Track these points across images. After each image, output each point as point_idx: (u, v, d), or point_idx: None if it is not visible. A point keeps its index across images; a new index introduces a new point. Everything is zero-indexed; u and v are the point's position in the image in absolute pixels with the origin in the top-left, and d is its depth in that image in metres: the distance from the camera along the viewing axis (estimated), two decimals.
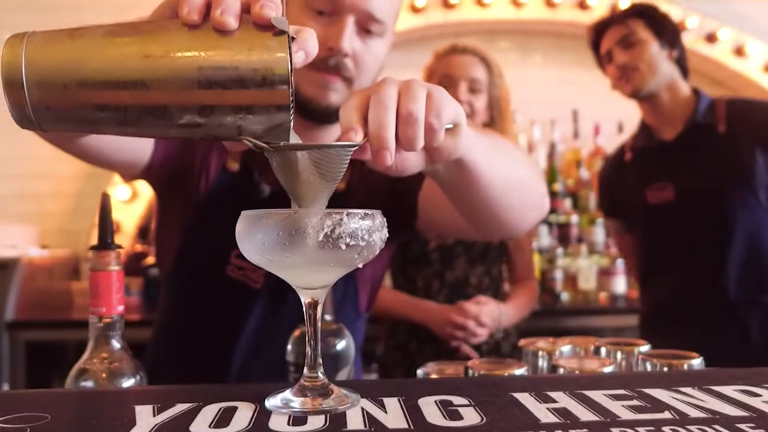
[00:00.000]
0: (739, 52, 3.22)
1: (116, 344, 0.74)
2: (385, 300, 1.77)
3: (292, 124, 0.55)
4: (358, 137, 0.58)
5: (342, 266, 0.54)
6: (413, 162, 0.66)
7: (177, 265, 1.14)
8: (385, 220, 0.56)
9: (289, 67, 0.52)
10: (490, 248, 1.84)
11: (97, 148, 0.92)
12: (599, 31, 1.89)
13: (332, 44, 0.97)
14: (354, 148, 0.58)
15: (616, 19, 1.86)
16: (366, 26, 1.00)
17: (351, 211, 0.52)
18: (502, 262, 1.90)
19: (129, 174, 1.11)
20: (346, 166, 0.58)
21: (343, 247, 0.51)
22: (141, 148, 1.04)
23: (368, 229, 0.53)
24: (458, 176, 0.77)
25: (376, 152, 0.58)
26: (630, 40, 1.80)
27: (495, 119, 1.82)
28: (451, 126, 0.64)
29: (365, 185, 1.14)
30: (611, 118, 3.10)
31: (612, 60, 1.85)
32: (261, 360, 1.10)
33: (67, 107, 0.52)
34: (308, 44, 0.56)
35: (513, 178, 0.87)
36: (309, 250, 0.51)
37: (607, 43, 1.86)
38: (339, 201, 1.11)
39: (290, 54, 0.52)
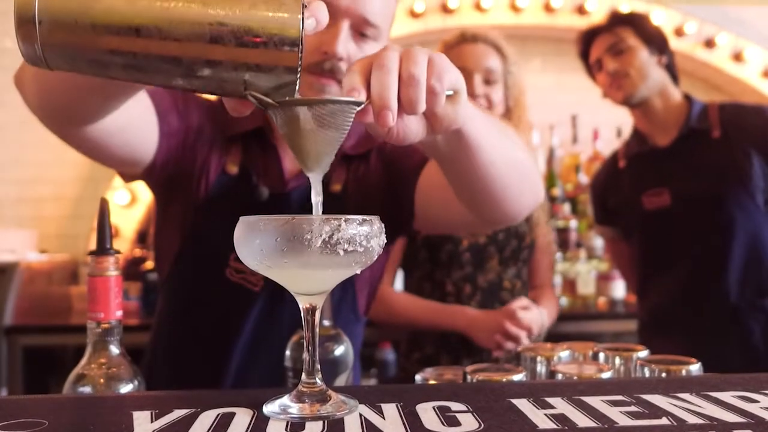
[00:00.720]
0: (737, 57, 3.22)
1: (114, 350, 0.74)
2: (408, 308, 1.67)
3: (298, 86, 0.56)
4: (361, 97, 0.59)
5: (340, 272, 0.55)
6: (414, 129, 0.67)
7: (176, 269, 1.14)
8: (383, 225, 0.56)
9: (301, 29, 0.53)
10: (522, 247, 1.76)
11: (102, 142, 0.93)
12: (588, 40, 1.90)
13: (327, 48, 0.98)
14: (358, 106, 0.58)
15: (604, 27, 1.87)
16: (361, 30, 1.00)
17: (349, 217, 0.52)
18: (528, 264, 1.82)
19: (130, 173, 1.11)
20: (350, 124, 0.59)
21: (341, 253, 0.51)
22: (145, 145, 1.04)
23: (366, 234, 0.53)
24: (458, 148, 0.77)
25: (378, 112, 0.59)
26: (619, 47, 1.81)
27: (511, 109, 1.74)
28: (451, 93, 0.65)
29: (361, 187, 1.14)
30: (610, 123, 3.10)
31: (602, 68, 1.86)
32: (259, 363, 1.11)
33: (77, 47, 0.52)
34: (320, 13, 0.57)
35: (511, 156, 0.87)
36: (307, 256, 0.51)
37: (596, 51, 1.87)
38: (335, 203, 1.12)
39: (303, 18, 0.53)
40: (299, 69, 0.54)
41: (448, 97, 0.65)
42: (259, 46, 0.53)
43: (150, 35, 0.51)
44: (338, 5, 0.97)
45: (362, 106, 0.59)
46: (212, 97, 1.22)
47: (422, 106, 0.61)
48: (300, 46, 0.53)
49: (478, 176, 0.83)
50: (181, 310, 1.16)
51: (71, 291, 2.74)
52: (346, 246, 0.51)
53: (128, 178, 1.14)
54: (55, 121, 0.90)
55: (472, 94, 1.60)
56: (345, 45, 0.99)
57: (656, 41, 1.83)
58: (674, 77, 1.87)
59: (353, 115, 0.58)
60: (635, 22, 1.85)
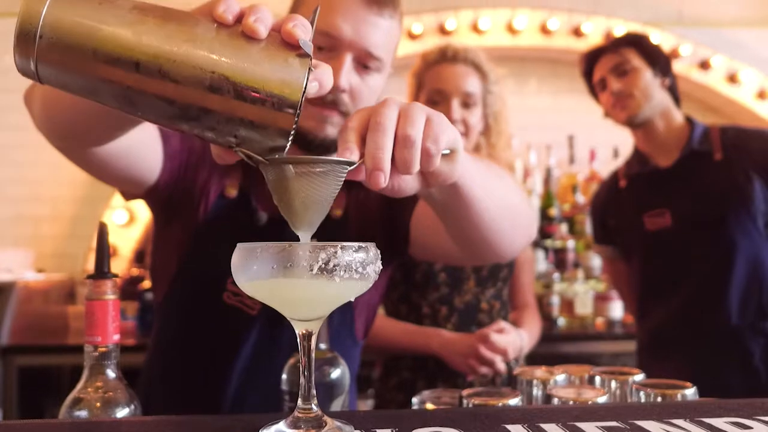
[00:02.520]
0: (732, 79, 3.25)
1: (111, 373, 0.74)
2: (386, 330, 1.63)
3: (287, 150, 0.55)
4: (353, 157, 0.59)
5: (336, 299, 0.55)
6: (409, 184, 0.67)
7: (173, 291, 1.14)
8: (379, 252, 0.56)
9: (302, 92, 0.52)
10: (501, 267, 1.71)
11: (106, 163, 0.94)
12: (592, 59, 1.92)
13: None
14: (349, 167, 0.58)
15: (608, 47, 1.88)
16: (364, 62, 1.02)
17: (345, 244, 0.53)
18: (509, 283, 1.79)
19: (131, 192, 1.12)
20: (341, 184, 0.58)
21: (338, 280, 0.52)
22: (149, 167, 1.05)
23: (362, 261, 0.53)
24: (452, 200, 0.78)
25: (370, 173, 0.59)
26: (624, 68, 1.82)
27: (490, 125, 1.70)
28: (448, 152, 0.65)
29: (361, 212, 1.15)
30: (606, 144, 3.12)
31: (606, 88, 1.87)
32: (257, 385, 1.10)
33: (73, 69, 0.52)
34: (324, 77, 0.57)
35: (505, 204, 0.89)
36: (304, 283, 0.51)
37: (600, 71, 1.88)
38: (336, 227, 1.12)
39: (306, 83, 0.53)
40: (292, 133, 0.54)
41: (445, 155, 0.65)
42: (257, 103, 0.52)
43: (149, 72, 0.51)
44: (341, 38, 0.99)
45: (354, 166, 0.58)
46: None
47: (416, 167, 0.61)
48: (298, 111, 0.52)
49: (472, 223, 0.85)
50: (178, 332, 1.15)
51: (68, 310, 2.73)
52: (342, 273, 0.52)
53: (129, 196, 1.14)
54: (60, 141, 0.91)
55: (449, 118, 1.60)
56: (348, 77, 1.00)
57: (660, 63, 1.84)
58: (676, 99, 1.88)
59: (345, 174, 0.58)
60: (640, 43, 1.86)
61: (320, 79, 0.57)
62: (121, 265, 2.89)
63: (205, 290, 1.10)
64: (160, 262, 1.20)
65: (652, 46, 1.87)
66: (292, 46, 0.53)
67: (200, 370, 1.12)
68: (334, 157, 0.57)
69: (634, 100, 1.80)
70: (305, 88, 0.53)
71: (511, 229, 0.93)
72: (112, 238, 2.74)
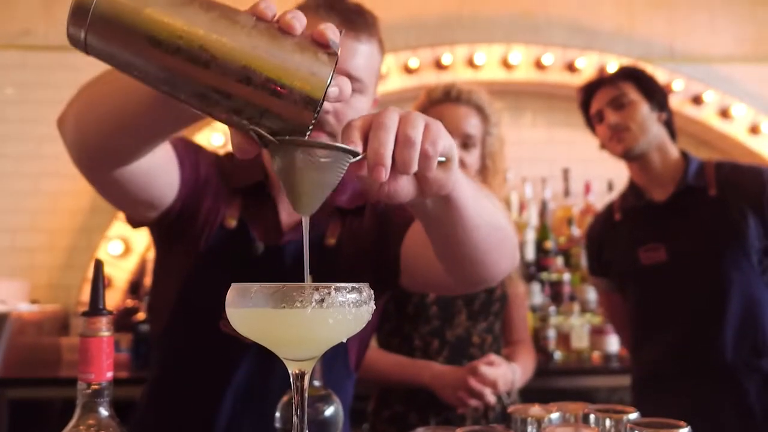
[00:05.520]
0: (724, 114, 3.29)
1: (104, 411, 0.74)
2: (378, 362, 1.63)
3: (308, 135, 0.58)
4: (359, 148, 0.62)
5: (330, 339, 0.55)
6: (405, 189, 0.69)
7: (173, 320, 1.15)
8: (372, 292, 0.57)
9: (326, 86, 0.56)
10: (492, 300, 1.72)
11: (128, 184, 0.98)
12: (589, 91, 1.93)
13: None
14: (354, 156, 0.61)
15: (606, 80, 1.90)
16: None
17: (339, 285, 0.53)
18: (502, 318, 1.78)
19: (139, 219, 1.14)
20: (344, 171, 0.61)
21: (331, 321, 0.52)
22: (166, 190, 1.08)
23: (356, 302, 0.54)
24: (445, 212, 0.80)
25: (373, 167, 0.61)
26: (621, 101, 1.84)
27: (487, 165, 1.72)
28: (444, 160, 0.68)
29: (354, 241, 1.17)
30: (601, 177, 3.15)
31: (603, 120, 1.88)
32: (249, 415, 1.11)
33: (120, 43, 0.55)
34: (344, 85, 0.61)
35: (494, 224, 0.91)
36: (297, 323, 0.52)
37: (597, 103, 1.90)
38: (329, 256, 1.14)
39: (330, 80, 0.57)
40: (310, 128, 0.57)
41: (441, 163, 0.67)
42: (285, 89, 0.55)
43: (190, 49, 0.54)
44: None
45: (359, 157, 0.61)
46: (220, 151, 1.27)
47: (414, 167, 0.64)
48: (319, 106, 0.56)
49: (461, 239, 0.86)
50: (176, 363, 1.16)
51: (61, 342, 2.71)
52: (335, 314, 0.52)
53: (136, 223, 1.16)
54: (89, 160, 0.96)
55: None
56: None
57: (657, 97, 1.86)
58: (672, 134, 1.90)
59: (348, 164, 0.61)
60: (638, 77, 1.88)
61: (341, 85, 0.60)
62: (115, 296, 2.88)
63: (203, 318, 1.11)
64: (161, 293, 1.21)
65: (649, 80, 1.89)
66: (321, 45, 0.57)
67: (194, 399, 1.13)
68: (341, 144, 0.60)
69: (631, 133, 1.82)
70: (329, 83, 0.57)
71: (498, 251, 0.95)
72: (107, 270, 2.73)
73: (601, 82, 1.91)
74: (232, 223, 1.15)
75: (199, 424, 1.11)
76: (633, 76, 1.88)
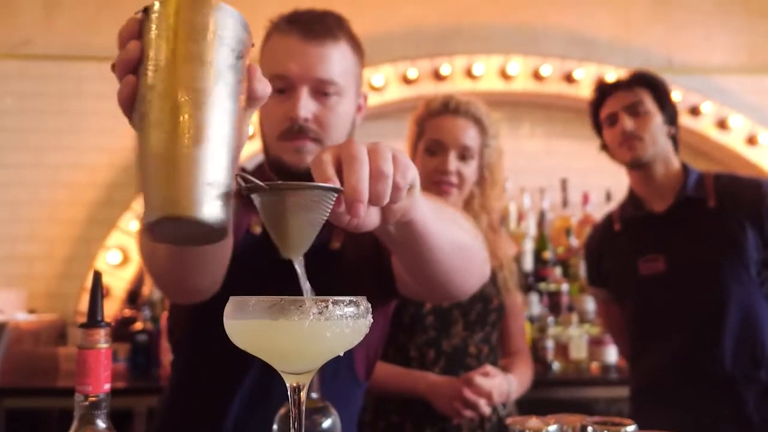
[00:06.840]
0: (721, 125, 3.30)
1: (101, 424, 0.74)
2: (375, 373, 1.57)
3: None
4: (338, 185, 0.61)
5: (327, 352, 0.55)
6: (371, 218, 0.70)
7: (198, 326, 1.16)
8: (369, 306, 0.57)
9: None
10: (489, 311, 1.71)
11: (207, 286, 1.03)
12: (604, 92, 1.90)
13: (290, 114, 1.08)
14: (337, 193, 0.60)
15: (623, 84, 1.87)
16: (321, 90, 1.09)
17: (336, 298, 0.53)
18: (499, 328, 1.78)
19: (188, 299, 1.12)
20: (330, 209, 0.61)
21: (328, 334, 0.52)
22: (217, 281, 1.07)
23: (353, 315, 0.54)
24: (408, 237, 0.81)
25: (351, 204, 0.61)
26: (638, 109, 1.82)
27: (485, 177, 1.72)
28: (409, 187, 0.69)
29: (357, 246, 1.17)
30: (599, 187, 3.15)
31: (614, 123, 1.85)
32: (257, 418, 1.11)
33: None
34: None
35: (458, 244, 0.92)
36: (294, 336, 0.52)
37: (611, 106, 1.87)
38: (333, 259, 1.14)
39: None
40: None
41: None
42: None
43: None
44: (291, 75, 1.07)
45: (341, 193, 0.61)
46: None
47: (387, 200, 0.65)
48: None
49: (425, 260, 0.88)
50: (196, 368, 1.19)
51: (59, 351, 2.70)
52: (333, 327, 0.52)
53: (186, 301, 1.15)
54: (164, 291, 1.11)
55: (445, 170, 1.63)
56: (306, 107, 1.08)
57: (670, 111, 1.86)
58: (676, 147, 1.89)
59: (333, 201, 0.60)
60: (656, 87, 1.86)
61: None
62: (113, 306, 2.87)
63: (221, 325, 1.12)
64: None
65: (665, 93, 1.87)
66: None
67: (203, 403, 1.15)
68: (325, 184, 0.60)
69: (643, 143, 1.80)
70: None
71: (464, 269, 0.96)
72: (106, 279, 2.73)
73: (617, 84, 1.88)
74: (258, 229, 1.16)
75: (206, 429, 1.13)
76: (650, 84, 1.86)
